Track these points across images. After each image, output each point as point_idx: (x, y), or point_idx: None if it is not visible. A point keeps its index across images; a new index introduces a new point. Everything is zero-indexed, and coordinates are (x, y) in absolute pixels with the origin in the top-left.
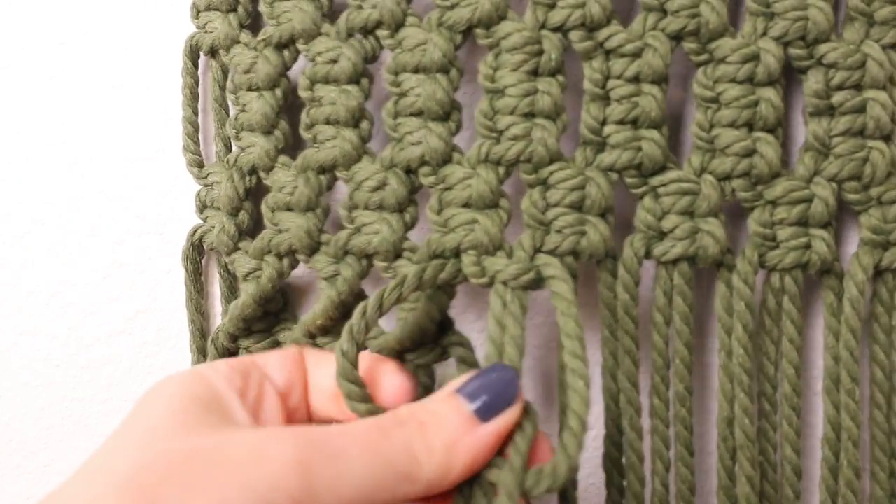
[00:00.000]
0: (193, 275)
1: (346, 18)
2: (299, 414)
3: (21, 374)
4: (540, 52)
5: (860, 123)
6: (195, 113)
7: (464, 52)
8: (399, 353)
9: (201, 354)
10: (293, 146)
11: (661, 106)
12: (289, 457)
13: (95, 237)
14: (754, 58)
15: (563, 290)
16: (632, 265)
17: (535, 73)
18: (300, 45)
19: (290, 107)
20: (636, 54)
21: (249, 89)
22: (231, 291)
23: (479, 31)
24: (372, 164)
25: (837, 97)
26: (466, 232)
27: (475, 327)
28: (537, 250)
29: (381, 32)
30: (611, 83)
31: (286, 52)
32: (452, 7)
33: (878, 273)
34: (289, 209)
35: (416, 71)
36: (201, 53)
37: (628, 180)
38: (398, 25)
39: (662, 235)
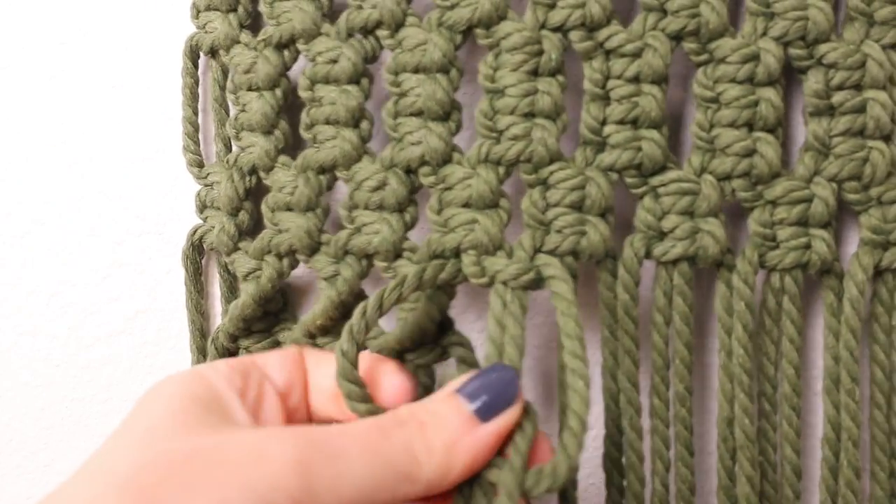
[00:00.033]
0: (193, 275)
1: (346, 18)
2: (299, 414)
3: (21, 374)
4: (540, 52)
5: (860, 123)
6: (195, 113)
7: (464, 53)
8: (399, 353)
9: (201, 354)
10: (293, 146)
11: (661, 106)
12: (289, 457)
13: (95, 237)
14: (754, 58)
15: (563, 290)
16: (632, 265)
17: (535, 73)
18: (300, 45)
19: (291, 107)
20: (636, 54)
21: (249, 89)
22: (231, 291)
23: (479, 31)
24: (372, 164)
25: (837, 97)
26: (466, 232)
27: (475, 327)
28: (537, 250)
29: (381, 32)
30: (611, 83)
31: (286, 52)
32: (452, 7)
33: (878, 273)
34: (289, 209)
35: (416, 71)
36: (201, 53)
37: (628, 180)
38: (398, 25)
39: (662, 235)
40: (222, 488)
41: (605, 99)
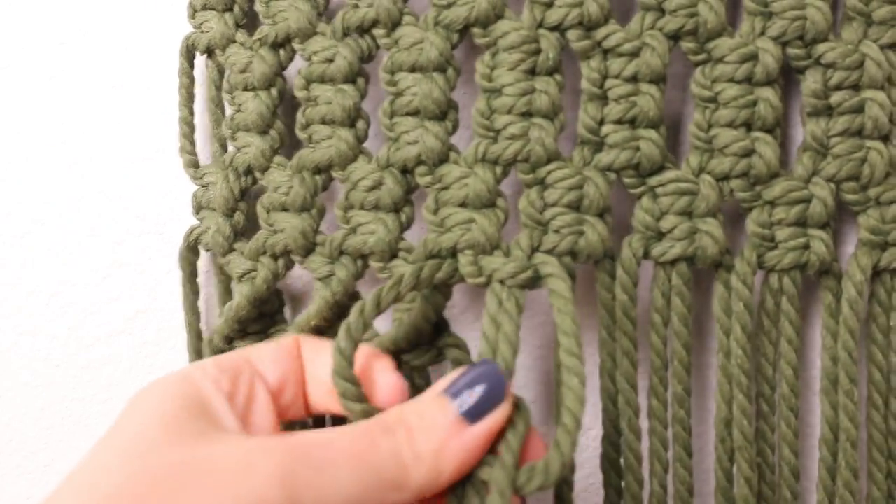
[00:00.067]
0: (190, 276)
1: (342, 17)
2: (294, 409)
3: (21, 374)
4: (537, 51)
5: (858, 123)
6: (191, 113)
7: (463, 52)
8: (394, 354)
9: (197, 356)
10: (291, 146)
11: (659, 105)
12: (274, 470)
13: (95, 237)
14: (752, 57)
15: (561, 288)
16: (630, 266)
17: (532, 73)
18: (296, 45)
19: (288, 107)
20: (634, 54)
21: (245, 89)
22: (227, 292)
23: (475, 30)
24: (368, 164)
25: (835, 97)
26: (463, 231)
27: (476, 327)
28: (535, 250)
29: (378, 31)
30: (609, 82)
31: (282, 52)
32: (449, 6)
33: (877, 274)
34: (284, 209)
35: (412, 70)
36: (197, 53)
37: (626, 180)
38: (394, 24)
39: (661, 236)
40: (206, 502)
41: (603, 98)
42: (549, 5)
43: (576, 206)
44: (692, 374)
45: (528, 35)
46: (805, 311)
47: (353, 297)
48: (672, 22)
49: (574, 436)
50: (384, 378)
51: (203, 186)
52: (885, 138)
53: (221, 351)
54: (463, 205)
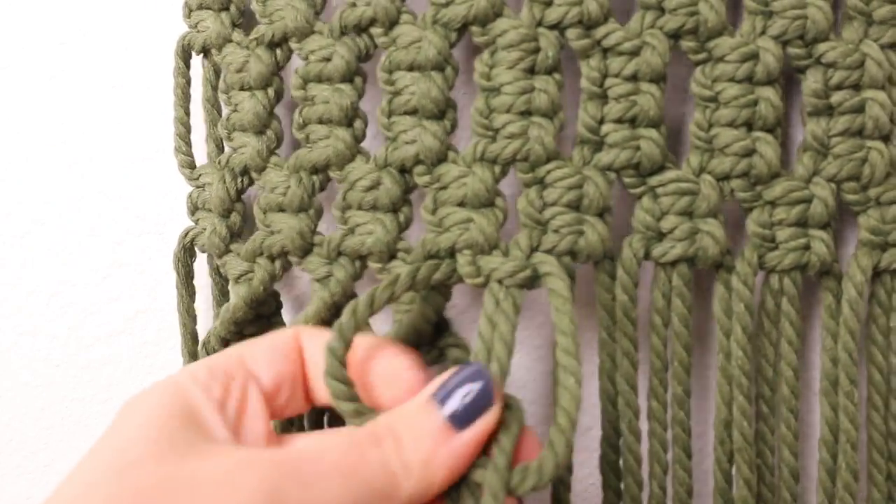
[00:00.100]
0: (185, 278)
1: (339, 16)
2: (291, 407)
3: (21, 374)
4: (536, 50)
5: (859, 123)
6: (187, 114)
7: (463, 51)
8: None
9: (192, 358)
10: (289, 146)
11: (659, 105)
12: (260, 485)
13: (95, 237)
14: (753, 57)
15: (559, 287)
16: (631, 266)
17: (531, 71)
18: (293, 44)
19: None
20: (634, 52)
21: (241, 89)
22: (223, 294)
23: (474, 28)
24: (365, 164)
25: (836, 97)
26: (461, 231)
27: (475, 327)
28: (534, 250)
29: (375, 30)
30: (608, 81)
31: (279, 51)
32: (447, 4)
33: (877, 274)
34: (281, 210)
35: (410, 69)
36: (193, 53)
37: (626, 180)
38: (392, 23)
39: (661, 236)
40: None
41: (603, 97)
42: (549, 4)
43: (575, 206)
44: (692, 376)
45: (526, 33)
46: (805, 311)
47: (352, 298)
48: (672, 21)
49: (568, 436)
50: (406, 376)
51: (199, 187)
52: (886, 138)
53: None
54: (461, 204)
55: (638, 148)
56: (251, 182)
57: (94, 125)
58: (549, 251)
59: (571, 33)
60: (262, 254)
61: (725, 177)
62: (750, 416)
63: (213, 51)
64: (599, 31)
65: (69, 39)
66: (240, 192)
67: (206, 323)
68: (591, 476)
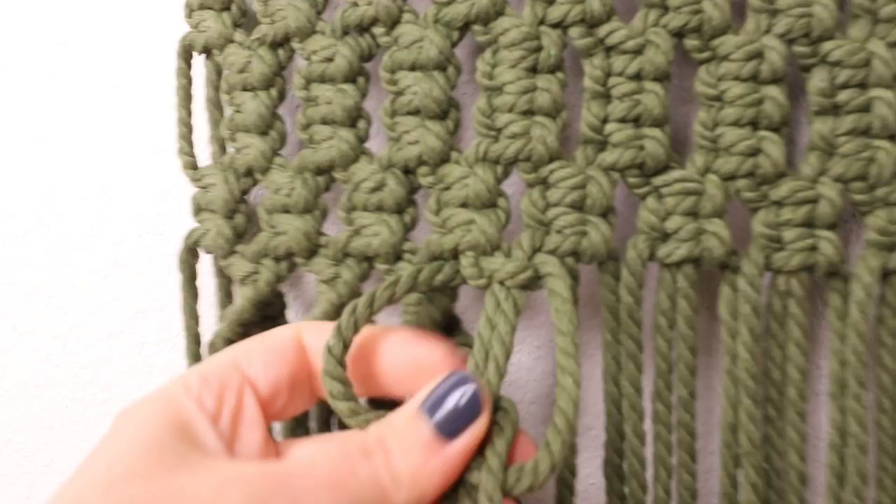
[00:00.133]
0: (189, 279)
1: (341, 16)
2: (292, 409)
3: (21, 374)
4: (539, 49)
5: (865, 122)
6: (190, 114)
7: (468, 52)
8: None
9: (195, 360)
10: (297, 147)
11: (663, 104)
12: (247, 501)
13: (95, 237)
14: (758, 55)
15: (559, 288)
16: (635, 267)
17: (533, 70)
18: (295, 44)
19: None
20: (637, 51)
21: (244, 89)
22: (227, 295)
23: (476, 27)
24: (370, 165)
25: (842, 96)
26: (464, 233)
27: (475, 328)
28: (536, 250)
29: (377, 30)
30: (612, 80)
31: (281, 51)
32: (449, 3)
33: (885, 275)
34: (286, 211)
35: (412, 69)
36: (195, 53)
37: (630, 180)
38: (394, 22)
39: (666, 237)
40: None
41: (607, 97)
42: (551, 2)
43: (578, 206)
44: (697, 378)
45: (528, 32)
46: (813, 313)
47: None
48: (676, 19)
49: (565, 436)
50: (393, 349)
51: (202, 188)
52: (893, 137)
53: None
54: (464, 205)
55: (642, 147)
56: (255, 183)
57: (94, 125)
58: (551, 252)
59: (574, 32)
60: (267, 255)
61: (731, 176)
62: (756, 419)
63: (215, 51)
64: (602, 30)
65: (70, 39)
66: (244, 192)
67: (209, 324)
68: (592, 476)
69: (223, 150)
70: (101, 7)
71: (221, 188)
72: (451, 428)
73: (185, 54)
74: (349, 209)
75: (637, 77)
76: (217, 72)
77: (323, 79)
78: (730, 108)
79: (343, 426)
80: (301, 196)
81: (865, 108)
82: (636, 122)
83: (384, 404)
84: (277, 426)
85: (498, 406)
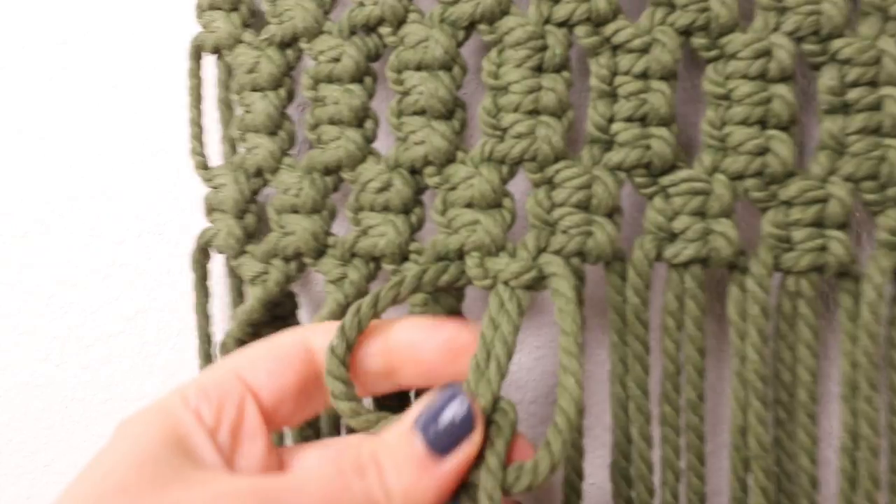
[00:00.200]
0: (201, 279)
1: (348, 16)
2: (303, 413)
3: (21, 374)
4: (544, 48)
5: (876, 121)
6: (201, 115)
7: (475, 52)
8: None
9: (206, 360)
10: (307, 147)
11: (670, 103)
12: None
13: (95, 237)
14: (766, 53)
15: (563, 287)
16: (642, 267)
17: (539, 70)
18: (303, 44)
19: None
20: (644, 50)
21: (253, 89)
22: (239, 295)
23: (482, 26)
24: (376, 165)
25: (852, 94)
26: (469, 233)
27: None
28: (542, 251)
29: (384, 29)
30: (618, 79)
31: (289, 51)
32: (455, 2)
33: None
34: (295, 211)
35: (418, 68)
36: (205, 54)
37: (637, 180)
38: (400, 22)
39: (673, 237)
40: None
41: (613, 96)
42: (557, 1)
43: (584, 206)
44: (706, 380)
45: (534, 31)
46: (823, 314)
47: None
48: (683, 17)
49: (565, 436)
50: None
51: (214, 188)
52: None
53: None
54: (469, 205)
55: (648, 147)
56: (265, 183)
57: (94, 125)
58: (557, 252)
59: (580, 31)
60: (276, 255)
61: (739, 176)
62: (765, 421)
63: (225, 51)
64: (608, 28)
65: (70, 39)
66: (254, 192)
67: (221, 324)
68: (592, 476)
69: (234, 150)
70: (101, 7)
71: (232, 188)
72: (444, 445)
73: (196, 55)
74: (356, 209)
75: (643, 76)
76: (227, 72)
77: (330, 79)
78: (738, 106)
79: (350, 429)
80: (309, 196)
81: (876, 107)
82: (643, 121)
83: (387, 406)
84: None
85: (497, 407)
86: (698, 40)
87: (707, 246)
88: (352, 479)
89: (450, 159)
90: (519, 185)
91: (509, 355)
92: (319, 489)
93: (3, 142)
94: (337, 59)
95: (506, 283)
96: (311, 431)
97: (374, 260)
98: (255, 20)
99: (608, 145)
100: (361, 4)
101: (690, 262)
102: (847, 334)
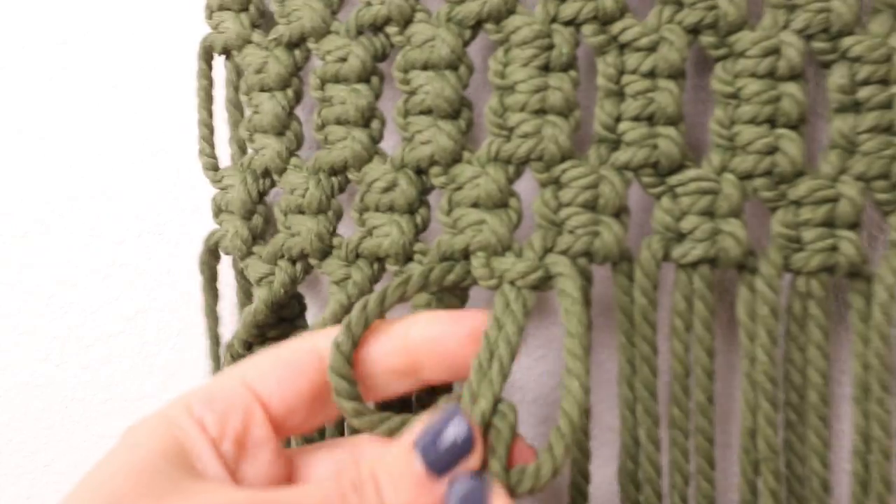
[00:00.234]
0: (209, 280)
1: (355, 15)
2: (316, 420)
3: (21, 374)
4: (551, 47)
5: (887, 120)
6: (210, 115)
7: (481, 51)
8: None
9: (216, 362)
10: (315, 147)
11: (677, 102)
12: None
13: (95, 237)
14: (775, 51)
15: (570, 288)
16: (649, 268)
17: (545, 69)
18: (310, 44)
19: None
20: (651, 48)
21: (261, 90)
22: (247, 297)
23: (488, 25)
24: (382, 165)
25: (863, 92)
26: (475, 233)
27: None
28: (548, 251)
29: (391, 29)
30: (625, 78)
31: (297, 52)
32: (461, 1)
33: None
34: (301, 212)
35: (424, 68)
36: (215, 55)
37: (645, 179)
38: (407, 21)
39: (681, 237)
40: None
41: (620, 95)
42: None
43: (591, 206)
44: (715, 382)
45: (540, 30)
46: (834, 315)
47: None
48: (691, 15)
49: (568, 440)
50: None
51: (222, 189)
52: None
53: (241, 357)
54: (475, 205)
55: (656, 146)
56: (273, 184)
57: (94, 125)
58: (563, 252)
59: (587, 29)
60: (282, 256)
61: (748, 175)
62: (775, 423)
63: (234, 52)
64: (616, 27)
65: (70, 39)
66: (262, 194)
67: (230, 326)
68: (596, 477)
69: (243, 151)
70: (101, 7)
71: (239, 189)
72: (442, 466)
73: (206, 55)
74: (361, 210)
75: (651, 75)
76: (237, 73)
77: (337, 79)
78: (746, 105)
79: (354, 430)
80: (314, 197)
81: (887, 105)
82: (650, 120)
83: (389, 406)
84: None
85: (497, 409)
86: (706, 38)
87: (715, 246)
88: (349, 496)
89: (456, 159)
90: (525, 185)
91: (513, 357)
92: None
93: (3, 142)
94: (344, 59)
95: (512, 283)
96: (315, 433)
97: (379, 261)
98: (263, 21)
99: (615, 145)
100: (369, 4)
101: (699, 262)
102: (858, 336)
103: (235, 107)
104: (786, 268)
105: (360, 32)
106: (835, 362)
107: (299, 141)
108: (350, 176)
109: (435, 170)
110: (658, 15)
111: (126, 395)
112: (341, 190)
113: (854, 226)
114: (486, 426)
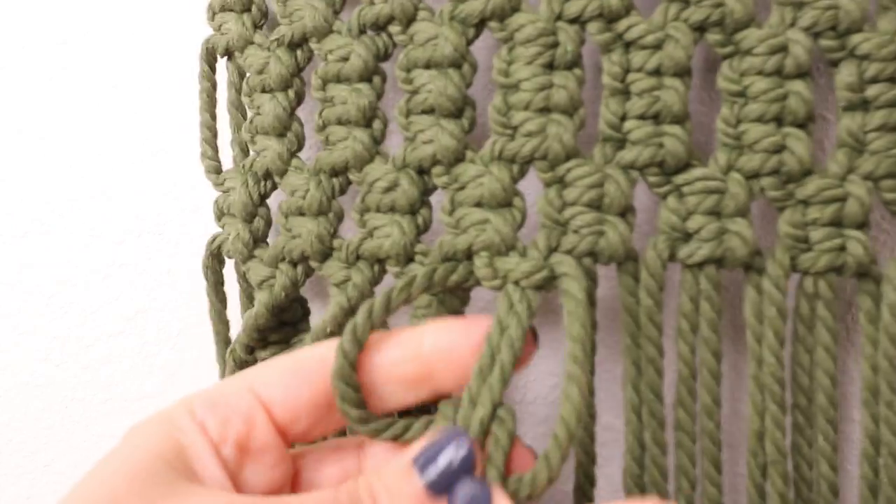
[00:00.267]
0: (214, 284)
1: (357, 14)
2: (318, 430)
3: (21, 374)
4: (555, 45)
5: None
6: (213, 118)
7: (485, 49)
8: None
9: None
10: (316, 149)
11: (683, 100)
12: None
13: (95, 237)
14: (782, 49)
15: (574, 289)
16: (655, 268)
17: (550, 67)
18: (312, 44)
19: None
20: (657, 46)
21: (263, 91)
22: (250, 301)
23: (492, 23)
24: (384, 165)
25: (871, 91)
26: (478, 232)
27: None
28: (553, 250)
29: (394, 28)
30: (631, 76)
31: (299, 52)
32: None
33: None
34: (301, 214)
35: (427, 67)
36: (218, 56)
37: (650, 178)
38: (409, 20)
39: (687, 237)
40: None
41: (625, 93)
42: None
43: (596, 206)
44: (722, 384)
45: (545, 28)
46: (842, 316)
47: None
48: (697, 12)
49: (565, 448)
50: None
51: (224, 192)
52: None
53: (244, 362)
54: (478, 205)
55: (661, 145)
56: (275, 186)
57: (94, 125)
58: (568, 252)
59: (592, 27)
60: (283, 259)
61: (755, 174)
62: (783, 426)
63: (236, 53)
64: (621, 25)
65: (69, 39)
66: (263, 196)
67: (237, 329)
68: (598, 478)
69: (245, 153)
70: (101, 7)
71: (240, 192)
72: (441, 486)
73: (209, 57)
74: (363, 211)
75: (657, 73)
76: (239, 74)
77: (339, 79)
78: (753, 103)
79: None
80: (315, 198)
81: None
82: (656, 118)
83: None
84: None
85: (496, 415)
86: (713, 36)
87: (722, 246)
88: None
89: (458, 158)
90: (529, 184)
91: (515, 360)
92: None
93: (3, 142)
94: (346, 59)
95: (516, 283)
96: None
97: (379, 262)
98: (266, 21)
99: (621, 143)
100: (371, 3)
101: (705, 262)
102: (867, 337)
103: (237, 109)
104: (793, 268)
105: (362, 32)
106: (842, 364)
107: (300, 142)
108: (351, 176)
109: (437, 169)
110: (664, 12)
111: (126, 395)
112: (342, 192)
113: (862, 225)
114: (485, 434)
